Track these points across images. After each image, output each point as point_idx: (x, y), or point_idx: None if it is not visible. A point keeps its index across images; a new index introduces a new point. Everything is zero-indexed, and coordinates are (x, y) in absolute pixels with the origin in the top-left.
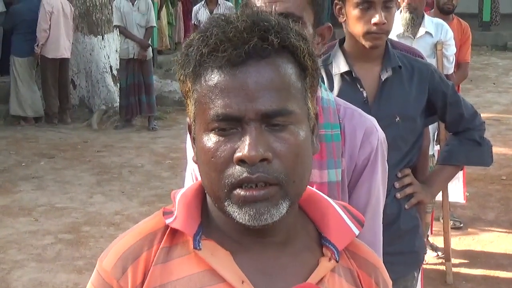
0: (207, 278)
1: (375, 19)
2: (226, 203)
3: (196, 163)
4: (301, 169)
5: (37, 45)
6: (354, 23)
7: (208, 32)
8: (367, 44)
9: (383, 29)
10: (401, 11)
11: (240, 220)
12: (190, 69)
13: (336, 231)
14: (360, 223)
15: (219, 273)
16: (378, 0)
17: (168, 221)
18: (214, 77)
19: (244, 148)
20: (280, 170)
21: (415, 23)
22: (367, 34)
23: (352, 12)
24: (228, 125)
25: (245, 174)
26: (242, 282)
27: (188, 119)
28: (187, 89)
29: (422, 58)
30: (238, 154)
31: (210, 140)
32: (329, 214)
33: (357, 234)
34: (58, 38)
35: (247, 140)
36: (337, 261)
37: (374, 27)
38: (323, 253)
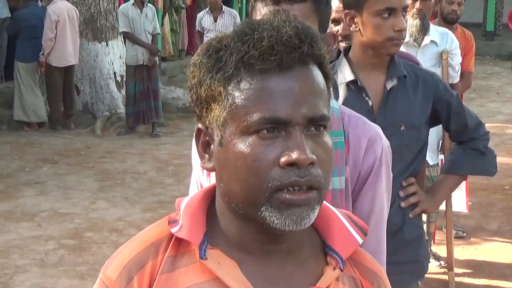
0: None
1: (399, 25)
2: (263, 208)
3: (210, 170)
4: (331, 175)
5: (43, 54)
6: (374, 31)
7: (257, 35)
8: (385, 51)
9: (403, 35)
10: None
11: (278, 225)
12: (229, 72)
13: (340, 240)
14: (363, 232)
15: (226, 282)
16: (399, 7)
17: (173, 230)
18: (261, 80)
19: (294, 151)
20: (321, 174)
21: (424, 30)
22: (388, 40)
23: (371, 21)
24: (274, 128)
25: (294, 178)
26: None
27: (199, 125)
28: (216, 93)
29: (418, 64)
30: (286, 157)
31: (252, 143)
32: (333, 223)
33: (360, 243)
34: (64, 47)
35: (296, 143)
36: (341, 270)
37: (396, 34)
38: (327, 262)
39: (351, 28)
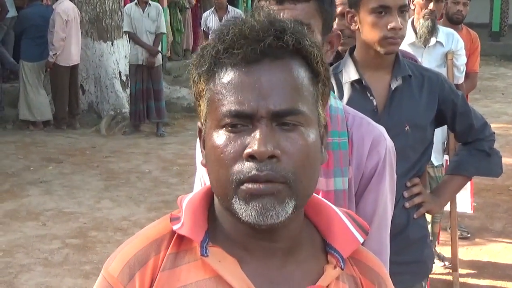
0: (214, 285)
1: (392, 24)
2: (233, 200)
3: (205, 166)
4: (309, 171)
5: (54, 54)
6: (369, 29)
7: (225, 30)
8: (382, 50)
9: (399, 34)
10: (413, 20)
11: (246, 218)
12: (205, 68)
13: (341, 239)
14: (364, 231)
15: (226, 280)
16: (394, 5)
17: (175, 227)
18: (229, 74)
19: (254, 144)
20: (288, 169)
21: (434, 31)
22: (383, 39)
23: (367, 19)
24: (239, 121)
25: (253, 172)
26: None
27: (198, 123)
28: (200, 89)
29: (416, 61)
30: (248, 150)
31: (220, 136)
32: (334, 222)
33: (361, 241)
34: (71, 46)
35: (257, 136)
36: (342, 269)
37: (390, 32)
38: (328, 261)
39: (351, 27)
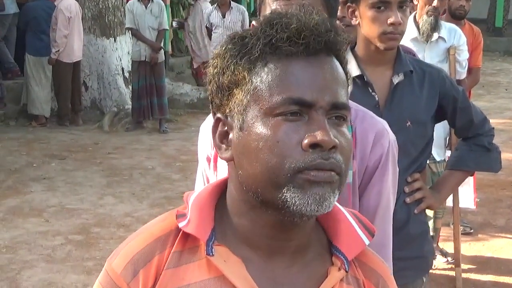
0: (218, 285)
1: (392, 19)
2: (285, 189)
3: (228, 160)
4: (349, 165)
5: (57, 51)
6: (369, 24)
7: (285, 20)
8: (382, 45)
9: (399, 29)
10: (415, 15)
11: (300, 206)
12: (255, 55)
13: (346, 241)
14: (370, 233)
15: (231, 280)
16: (394, 0)
17: (181, 224)
18: (287, 64)
19: (318, 133)
20: (342, 160)
21: (436, 28)
22: (382, 34)
23: (367, 13)
24: (298, 110)
25: (319, 160)
26: None
27: (218, 115)
28: (239, 78)
29: (414, 55)
30: (310, 139)
31: (275, 125)
32: (340, 223)
33: (367, 244)
34: (73, 43)
35: (319, 126)
36: (346, 271)
37: (390, 28)
38: (333, 262)
39: (352, 22)
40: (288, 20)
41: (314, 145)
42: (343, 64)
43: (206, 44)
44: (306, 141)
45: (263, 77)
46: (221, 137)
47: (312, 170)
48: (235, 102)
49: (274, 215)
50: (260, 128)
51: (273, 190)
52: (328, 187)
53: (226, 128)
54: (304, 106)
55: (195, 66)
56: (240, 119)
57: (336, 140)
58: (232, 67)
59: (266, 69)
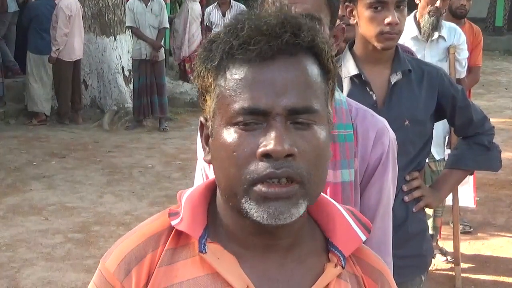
0: (212, 282)
1: (389, 19)
2: (243, 200)
3: (209, 163)
4: (321, 170)
5: (57, 50)
6: (366, 24)
7: (239, 25)
8: (379, 45)
9: (396, 29)
10: (416, 14)
11: (257, 218)
12: (215, 63)
13: (342, 237)
14: (367, 229)
15: (224, 277)
16: (391, 0)
17: (173, 222)
18: (242, 70)
19: (270, 142)
20: (304, 168)
21: (437, 28)
22: (380, 34)
23: (364, 13)
24: (253, 119)
25: (269, 169)
26: (247, 287)
27: (201, 118)
28: (208, 84)
29: (412, 54)
30: (262, 149)
31: (232, 134)
32: (336, 219)
33: (364, 240)
34: (73, 41)
35: (273, 134)
36: (343, 267)
37: (387, 28)
38: (329, 259)
39: (350, 21)
40: (242, 25)
41: (267, 155)
42: (323, 61)
43: (186, 42)
44: (258, 151)
45: (223, 85)
46: (206, 140)
47: (264, 184)
48: (207, 108)
49: (248, 219)
50: (222, 137)
51: (235, 199)
52: (285, 201)
53: (207, 130)
54: (259, 114)
55: (176, 62)
56: (211, 125)
57: (293, 148)
58: (202, 73)
59: (226, 76)
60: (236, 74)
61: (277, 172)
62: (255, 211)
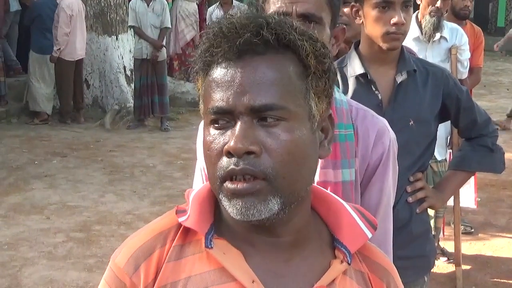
0: (218, 277)
1: (395, 19)
2: (220, 197)
3: None
4: (294, 166)
5: (58, 49)
6: (373, 24)
7: (210, 29)
8: (385, 45)
9: (402, 29)
10: (418, 14)
11: (231, 214)
12: (197, 67)
13: (348, 233)
14: (373, 226)
15: (230, 272)
16: (398, 0)
17: (181, 219)
18: (213, 72)
19: (231, 140)
20: (268, 164)
21: (438, 28)
22: (386, 35)
23: (371, 13)
24: (222, 118)
25: (231, 166)
26: (253, 281)
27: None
28: (199, 86)
29: (414, 55)
30: (225, 147)
31: (208, 133)
32: (342, 216)
33: (370, 237)
34: (75, 41)
35: (235, 132)
36: (349, 264)
37: (393, 28)
38: (335, 255)
39: (356, 21)
40: (211, 29)
41: (228, 153)
42: (301, 58)
43: (173, 39)
44: (223, 149)
45: (204, 87)
46: None
47: (229, 180)
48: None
49: None
50: (204, 136)
51: (216, 195)
52: (249, 197)
53: None
54: (225, 113)
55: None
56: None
57: (251, 146)
58: (196, 76)
59: (206, 78)
60: (209, 76)
61: (236, 169)
62: (228, 207)
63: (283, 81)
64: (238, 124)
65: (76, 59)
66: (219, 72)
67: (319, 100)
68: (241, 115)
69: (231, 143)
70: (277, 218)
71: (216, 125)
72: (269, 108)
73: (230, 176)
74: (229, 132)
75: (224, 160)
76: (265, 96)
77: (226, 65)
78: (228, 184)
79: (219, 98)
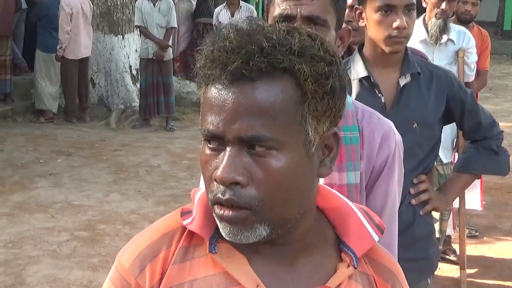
0: (223, 280)
1: (397, 23)
2: (213, 214)
3: None
4: (283, 196)
5: (60, 48)
6: (375, 27)
7: (204, 48)
8: (387, 49)
9: (404, 33)
10: (425, 17)
11: (223, 235)
12: (198, 80)
13: (356, 237)
14: (380, 230)
15: (234, 276)
16: (400, 4)
17: (185, 222)
18: (209, 91)
19: (219, 168)
20: (253, 196)
21: (445, 30)
22: (388, 38)
23: (373, 16)
24: (214, 141)
25: (218, 195)
26: (257, 286)
27: None
28: (201, 95)
29: (426, 59)
30: (213, 174)
31: (204, 150)
32: (349, 219)
33: (377, 240)
34: (79, 39)
35: (223, 161)
36: (355, 268)
37: (395, 31)
38: (342, 258)
39: (359, 23)
40: (204, 48)
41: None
42: (300, 81)
43: (175, 41)
44: (213, 175)
45: (201, 101)
46: None
47: (217, 205)
48: None
49: None
50: (201, 149)
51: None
52: (236, 224)
53: None
54: (215, 137)
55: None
56: None
57: (237, 177)
58: (198, 85)
59: (204, 93)
60: (206, 94)
61: (222, 199)
62: (219, 227)
63: (275, 110)
64: (227, 151)
65: (79, 57)
66: (213, 93)
67: (318, 123)
68: (230, 143)
69: (218, 172)
70: (271, 237)
71: (210, 146)
72: (257, 140)
73: (217, 202)
74: (220, 156)
75: (214, 185)
76: (253, 127)
77: (219, 88)
78: (216, 209)
79: (210, 121)
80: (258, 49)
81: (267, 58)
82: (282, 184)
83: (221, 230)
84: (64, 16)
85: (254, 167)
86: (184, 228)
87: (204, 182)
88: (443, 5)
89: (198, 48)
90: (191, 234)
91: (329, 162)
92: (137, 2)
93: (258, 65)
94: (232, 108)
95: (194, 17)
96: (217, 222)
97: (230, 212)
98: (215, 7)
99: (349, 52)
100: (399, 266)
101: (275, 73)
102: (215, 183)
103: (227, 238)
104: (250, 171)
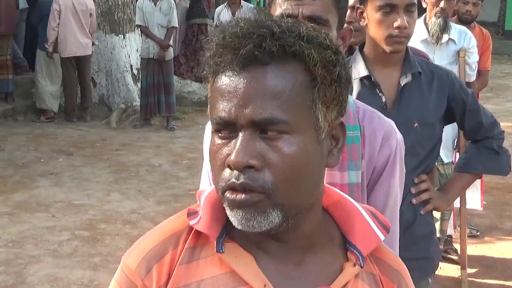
0: (230, 280)
1: (397, 22)
2: (224, 205)
3: None
4: (296, 181)
5: (47, 43)
6: (376, 27)
7: (215, 37)
8: (388, 48)
9: (405, 33)
10: (425, 17)
11: (233, 224)
12: (206, 71)
13: (361, 236)
14: (385, 229)
15: (241, 276)
16: (401, 4)
17: (192, 222)
18: (219, 80)
19: (232, 153)
20: (268, 179)
21: (445, 29)
22: (388, 38)
23: (374, 16)
24: (226, 129)
25: (232, 180)
26: (265, 285)
27: None
28: (208, 89)
29: (428, 59)
30: (227, 160)
31: (214, 141)
32: (355, 219)
33: (382, 239)
34: (68, 37)
35: (236, 146)
36: (361, 267)
37: (396, 31)
38: (348, 258)
39: (360, 23)
40: (216, 36)
41: (230, 166)
42: (309, 67)
43: (176, 41)
44: (225, 162)
45: (210, 93)
46: None
47: (229, 191)
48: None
49: None
50: (211, 142)
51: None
52: (249, 208)
53: None
54: (228, 124)
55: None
56: None
57: (251, 161)
58: (207, 77)
59: (212, 85)
60: (215, 83)
61: (236, 183)
62: (230, 217)
63: (286, 93)
64: (240, 136)
65: (71, 56)
66: (223, 81)
67: (327, 110)
68: (243, 128)
69: (232, 157)
70: (282, 228)
71: (220, 135)
72: (270, 122)
73: (231, 188)
74: (232, 143)
75: (227, 172)
76: (266, 110)
77: (230, 75)
78: (228, 194)
79: (222, 108)
80: (270, 33)
81: (278, 41)
82: (295, 167)
83: (232, 219)
84: (52, 12)
85: (267, 151)
86: (190, 229)
87: (213, 172)
88: (442, 4)
89: (193, 48)
90: (198, 234)
91: (336, 153)
92: (138, 2)
93: (270, 48)
94: (244, 92)
95: (188, 18)
96: (228, 212)
97: (243, 196)
98: (214, 8)
99: (350, 52)
100: (405, 266)
101: (286, 58)
102: (228, 170)
103: (239, 227)
104: (264, 155)
